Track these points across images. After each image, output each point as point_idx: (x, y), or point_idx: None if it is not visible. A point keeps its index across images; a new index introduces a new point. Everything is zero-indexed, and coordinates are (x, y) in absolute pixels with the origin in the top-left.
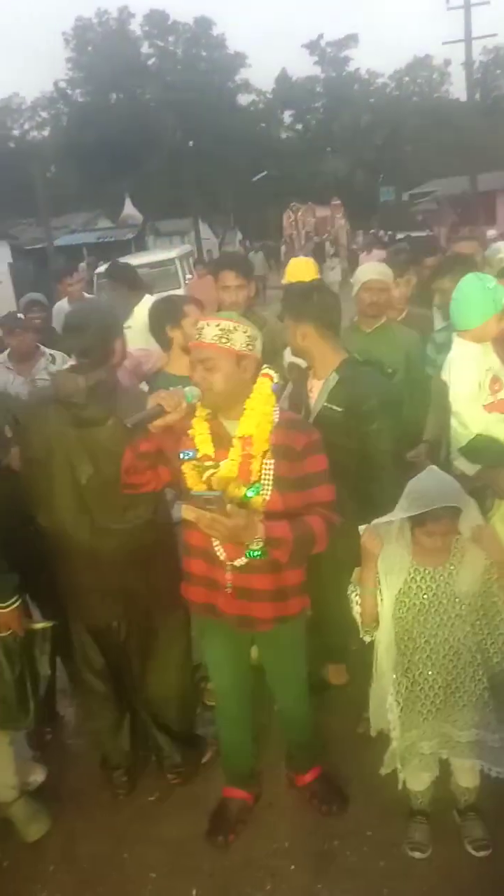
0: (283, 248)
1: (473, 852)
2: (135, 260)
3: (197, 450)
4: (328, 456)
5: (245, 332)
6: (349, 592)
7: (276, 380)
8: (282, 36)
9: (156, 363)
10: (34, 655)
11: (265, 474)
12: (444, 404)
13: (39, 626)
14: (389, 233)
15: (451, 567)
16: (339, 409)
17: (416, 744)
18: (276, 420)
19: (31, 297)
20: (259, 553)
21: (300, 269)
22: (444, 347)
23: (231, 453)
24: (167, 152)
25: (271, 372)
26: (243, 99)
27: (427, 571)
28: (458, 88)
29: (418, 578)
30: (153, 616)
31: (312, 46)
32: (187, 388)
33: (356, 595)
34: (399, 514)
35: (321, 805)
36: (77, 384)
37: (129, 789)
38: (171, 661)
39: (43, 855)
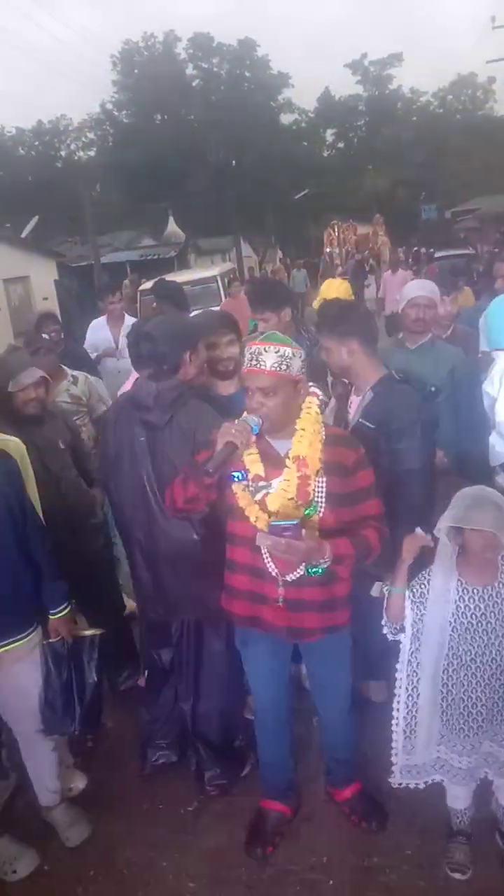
0: (321, 266)
1: None
2: (177, 278)
3: (248, 470)
4: None
5: (300, 357)
6: (383, 588)
7: (321, 397)
8: (325, 55)
9: None
10: (82, 662)
11: (318, 492)
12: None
13: (88, 632)
14: (431, 250)
15: (500, 585)
16: (372, 426)
17: (447, 758)
18: (324, 437)
19: (45, 312)
20: (319, 570)
21: (334, 289)
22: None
23: (286, 474)
24: (210, 172)
25: (317, 390)
26: (286, 118)
27: (476, 591)
28: (502, 106)
29: (466, 598)
30: (204, 621)
31: (355, 66)
32: (249, 419)
33: (386, 590)
34: (443, 522)
35: (360, 821)
36: (149, 389)
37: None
38: (216, 670)
39: (83, 860)
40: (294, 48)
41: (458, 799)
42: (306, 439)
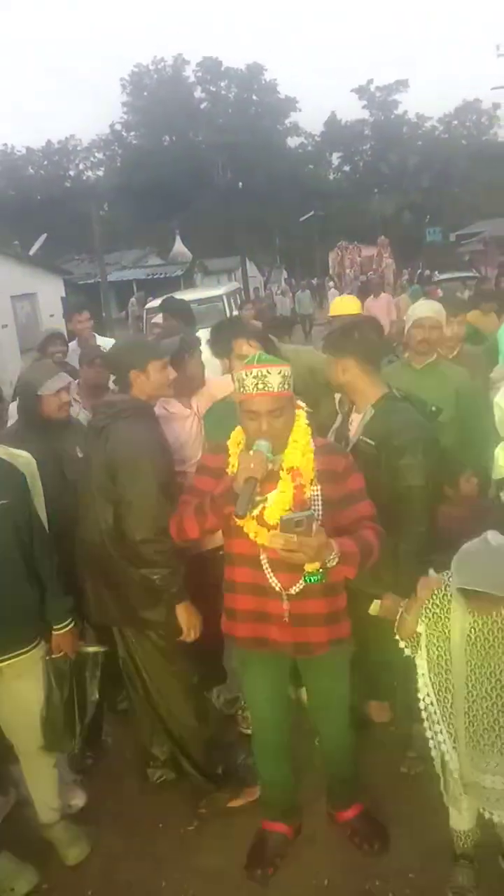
0: (330, 286)
1: None
2: (184, 296)
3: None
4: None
5: (292, 374)
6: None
7: (305, 409)
8: (332, 81)
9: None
10: (84, 679)
11: (314, 499)
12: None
13: (92, 649)
14: (434, 272)
15: None
16: (373, 443)
17: (473, 778)
18: (314, 447)
19: (52, 331)
20: (319, 577)
21: (345, 305)
22: None
23: (281, 486)
24: (217, 193)
25: (301, 402)
26: (293, 141)
27: (489, 617)
28: None
29: (480, 623)
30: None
31: (362, 91)
32: (262, 445)
33: (401, 613)
34: (453, 580)
35: (362, 843)
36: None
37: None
38: (167, 684)
39: (82, 878)
40: (301, 73)
41: (463, 820)
42: (299, 450)
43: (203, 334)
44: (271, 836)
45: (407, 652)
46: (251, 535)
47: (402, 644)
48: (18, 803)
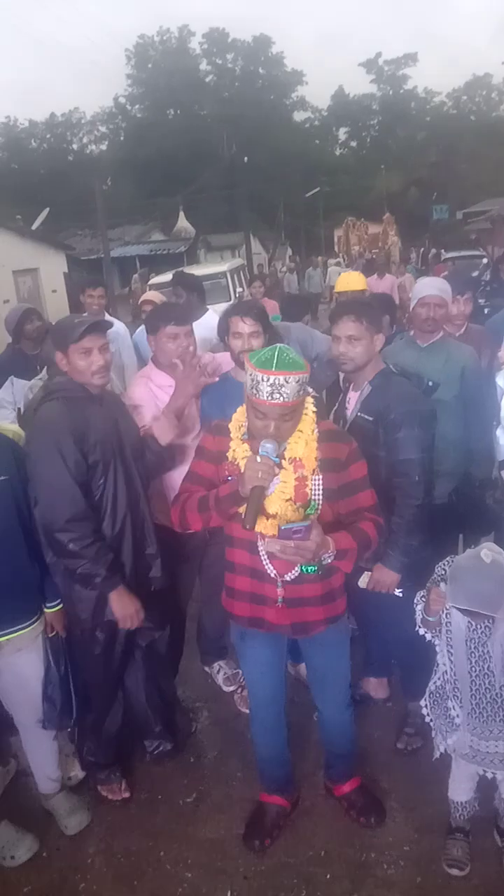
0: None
1: None
2: (187, 272)
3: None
4: None
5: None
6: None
7: (313, 394)
8: (339, 54)
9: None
10: (76, 658)
11: (315, 489)
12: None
13: None
14: (441, 250)
15: None
16: (370, 419)
17: (476, 746)
18: (318, 434)
19: (28, 307)
20: (314, 569)
21: (351, 281)
22: None
23: (283, 476)
24: (222, 168)
25: (310, 388)
26: (299, 115)
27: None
28: None
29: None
30: None
31: (370, 65)
32: (268, 449)
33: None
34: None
35: (359, 816)
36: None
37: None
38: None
39: (82, 848)
40: (309, 46)
41: (461, 790)
42: (302, 440)
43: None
44: (269, 808)
45: (428, 637)
46: None
47: (422, 631)
48: (19, 773)
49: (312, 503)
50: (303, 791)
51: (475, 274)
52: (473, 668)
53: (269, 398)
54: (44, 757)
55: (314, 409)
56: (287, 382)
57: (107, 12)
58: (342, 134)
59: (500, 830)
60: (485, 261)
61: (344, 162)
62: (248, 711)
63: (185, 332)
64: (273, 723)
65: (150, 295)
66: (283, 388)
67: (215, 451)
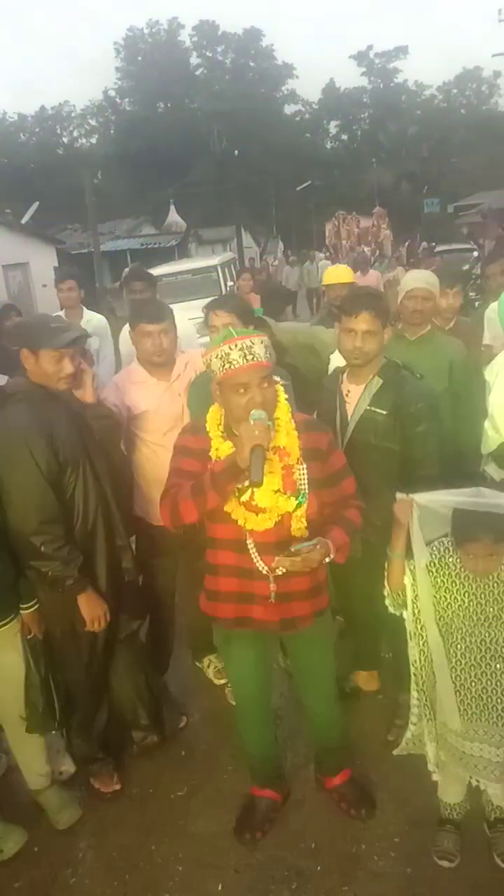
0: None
1: (502, 864)
2: (178, 266)
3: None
4: (370, 459)
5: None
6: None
7: (282, 383)
8: (330, 46)
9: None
10: (54, 659)
11: (300, 478)
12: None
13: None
14: (432, 244)
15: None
16: (384, 412)
17: (478, 752)
18: (295, 424)
19: (6, 302)
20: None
21: (339, 274)
22: None
23: (269, 466)
24: (213, 161)
25: (276, 377)
26: (290, 109)
27: (480, 585)
28: None
29: (471, 591)
30: None
31: (361, 57)
32: (260, 414)
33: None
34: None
35: (349, 808)
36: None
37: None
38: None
39: (73, 842)
40: (299, 38)
41: (451, 793)
42: (283, 428)
43: (196, 304)
44: (260, 802)
45: (391, 609)
46: (240, 521)
47: (387, 601)
48: (10, 768)
49: (302, 493)
50: (294, 783)
51: (466, 267)
52: (460, 661)
53: (244, 361)
54: (31, 753)
55: (286, 396)
56: (254, 343)
57: (96, 4)
58: (333, 127)
59: (490, 822)
60: (475, 254)
61: (335, 155)
62: (234, 703)
63: (160, 330)
64: (260, 719)
65: (214, 319)
66: (252, 349)
67: (198, 449)
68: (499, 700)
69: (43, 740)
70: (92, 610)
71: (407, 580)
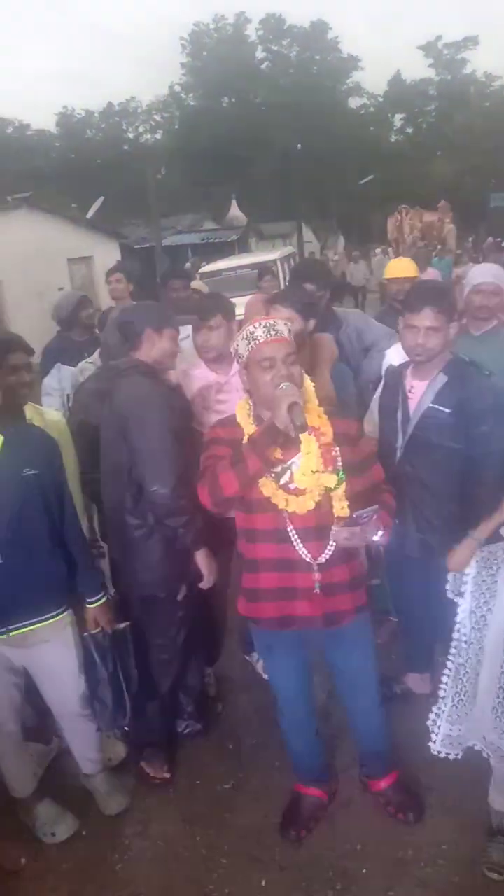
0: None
1: None
2: (238, 261)
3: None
4: (431, 458)
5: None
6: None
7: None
8: (397, 38)
9: None
10: (124, 654)
11: (338, 458)
12: None
13: (121, 626)
14: (499, 239)
15: None
16: (447, 411)
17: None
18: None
19: (83, 295)
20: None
21: (402, 268)
22: None
23: (305, 446)
24: (275, 156)
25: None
26: (354, 102)
27: None
28: None
29: None
30: None
31: (429, 48)
32: (288, 385)
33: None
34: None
35: (397, 812)
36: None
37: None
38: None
39: (120, 829)
40: (365, 29)
41: (500, 801)
42: (314, 412)
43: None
44: (306, 800)
45: (450, 595)
46: (281, 505)
47: (448, 585)
48: (62, 752)
49: (340, 472)
50: (340, 784)
51: None
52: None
53: (268, 336)
54: (83, 740)
55: (311, 382)
56: (276, 323)
57: (163, 2)
58: (398, 120)
59: None
60: None
61: (399, 149)
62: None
63: (206, 327)
64: (303, 718)
65: (197, 284)
66: (276, 327)
67: (230, 438)
68: None
69: (94, 727)
70: (209, 564)
71: (471, 569)
